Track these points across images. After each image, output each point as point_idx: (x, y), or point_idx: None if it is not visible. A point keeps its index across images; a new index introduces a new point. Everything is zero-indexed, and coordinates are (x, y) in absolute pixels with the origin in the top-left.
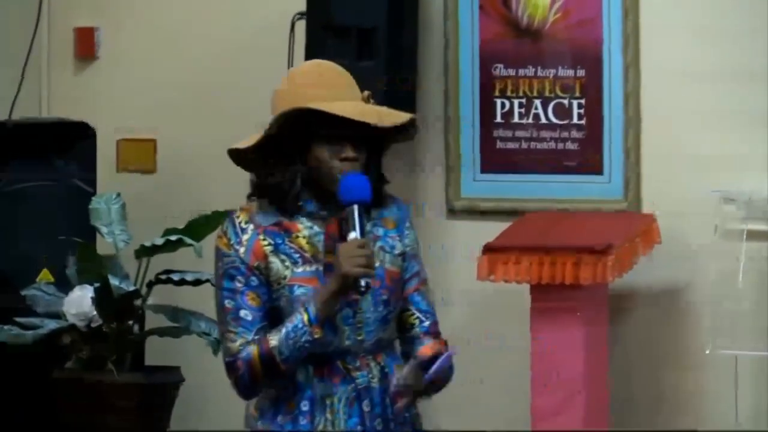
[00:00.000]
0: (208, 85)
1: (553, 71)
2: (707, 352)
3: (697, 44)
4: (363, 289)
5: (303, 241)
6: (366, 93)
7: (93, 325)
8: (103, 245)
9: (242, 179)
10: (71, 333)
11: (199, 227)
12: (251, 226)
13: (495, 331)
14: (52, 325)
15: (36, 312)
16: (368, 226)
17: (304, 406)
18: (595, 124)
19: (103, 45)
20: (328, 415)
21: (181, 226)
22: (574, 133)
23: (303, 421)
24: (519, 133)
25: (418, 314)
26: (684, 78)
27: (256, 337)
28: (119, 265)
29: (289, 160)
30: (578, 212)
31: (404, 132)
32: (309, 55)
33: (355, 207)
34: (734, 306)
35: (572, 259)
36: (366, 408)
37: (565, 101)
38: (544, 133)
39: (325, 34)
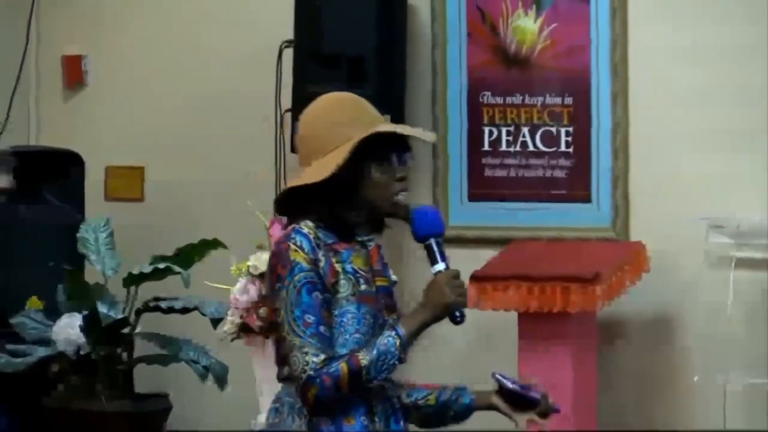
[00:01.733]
0: (196, 112)
1: (541, 99)
2: (696, 379)
3: (685, 73)
4: (459, 319)
5: (360, 261)
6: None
7: (82, 352)
8: (92, 273)
9: (228, 207)
10: (60, 361)
11: (186, 255)
12: (321, 243)
13: (485, 358)
14: (41, 352)
15: (25, 340)
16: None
17: (364, 421)
18: (583, 152)
19: (91, 73)
20: (379, 426)
21: (169, 254)
22: (562, 161)
23: None
24: (507, 161)
25: None
26: (672, 106)
27: (337, 354)
28: (107, 292)
29: (347, 188)
30: (566, 240)
31: None
32: (297, 82)
33: (433, 240)
34: (723, 334)
35: (560, 288)
36: (396, 415)
37: (553, 129)
38: (532, 161)
39: (313, 61)
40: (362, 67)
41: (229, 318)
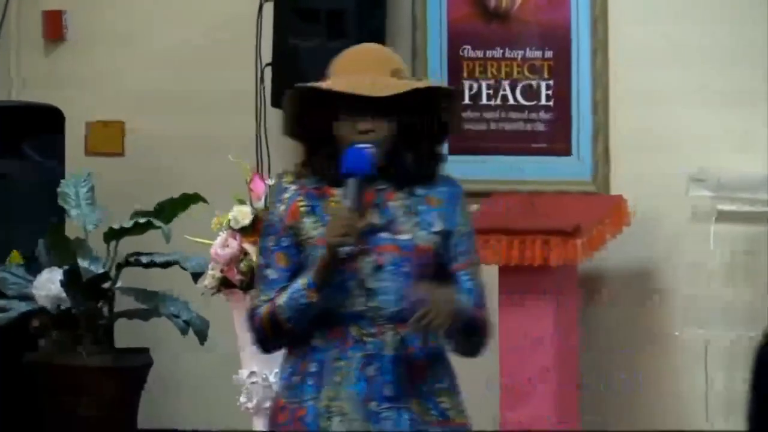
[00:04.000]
0: (176, 66)
1: (521, 53)
2: (677, 333)
3: (665, 25)
4: (343, 257)
5: (335, 206)
6: (396, 68)
7: (62, 307)
8: (72, 228)
9: (209, 162)
10: (41, 316)
11: (167, 210)
12: (294, 187)
13: None
14: (21, 307)
15: (5, 295)
16: (409, 201)
17: (313, 367)
18: (563, 105)
19: (72, 27)
20: (337, 378)
21: (149, 209)
22: (543, 115)
23: (310, 382)
24: (487, 115)
25: (460, 293)
26: (652, 59)
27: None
28: (88, 247)
29: (319, 137)
30: (547, 193)
31: (447, 106)
32: (277, 37)
33: (351, 179)
34: (705, 287)
35: (541, 241)
36: (372, 373)
37: (534, 83)
38: (513, 115)
39: (293, 16)
40: (342, 21)
41: (209, 272)
